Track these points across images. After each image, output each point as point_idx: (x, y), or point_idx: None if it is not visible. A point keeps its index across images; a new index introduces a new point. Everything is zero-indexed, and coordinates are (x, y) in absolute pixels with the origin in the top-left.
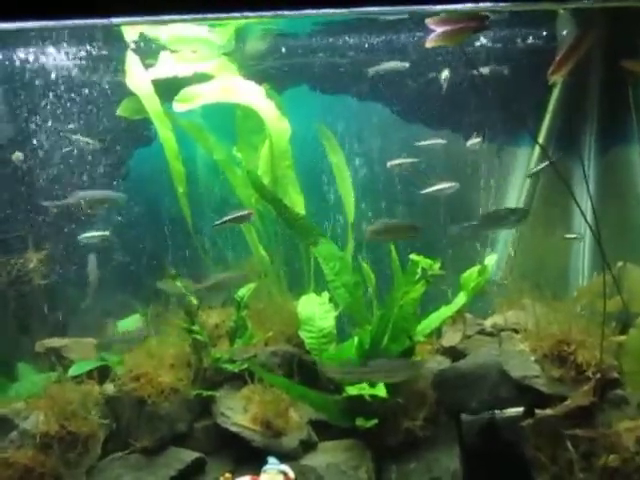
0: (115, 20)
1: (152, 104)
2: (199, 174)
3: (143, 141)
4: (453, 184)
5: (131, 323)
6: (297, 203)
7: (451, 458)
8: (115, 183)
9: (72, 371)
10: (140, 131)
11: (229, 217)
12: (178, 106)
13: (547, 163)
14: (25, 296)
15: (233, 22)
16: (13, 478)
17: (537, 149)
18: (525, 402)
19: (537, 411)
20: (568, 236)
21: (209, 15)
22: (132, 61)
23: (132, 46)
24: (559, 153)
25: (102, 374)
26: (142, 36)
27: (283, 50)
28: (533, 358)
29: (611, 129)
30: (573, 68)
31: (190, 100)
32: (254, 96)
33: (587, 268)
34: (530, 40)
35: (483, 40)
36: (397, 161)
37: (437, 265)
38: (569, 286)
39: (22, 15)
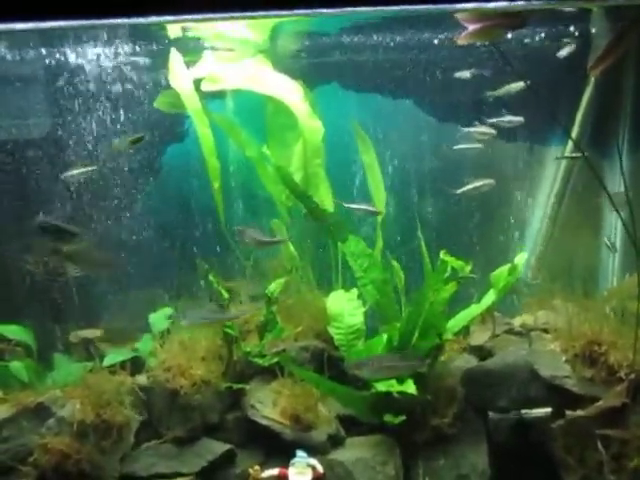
0: (152, 19)
1: (192, 102)
2: (231, 170)
3: (176, 138)
4: (488, 181)
5: (162, 316)
6: (327, 200)
7: (479, 456)
8: (148, 179)
9: (106, 361)
10: (173, 127)
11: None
12: (207, 85)
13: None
14: (60, 287)
15: (269, 21)
16: (51, 463)
17: (568, 149)
18: (554, 402)
19: (568, 412)
20: (606, 241)
21: (246, 14)
22: (175, 60)
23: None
24: (591, 151)
25: (134, 365)
26: (184, 33)
27: (314, 48)
28: (563, 358)
29: None
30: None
31: (219, 81)
32: (287, 91)
33: (618, 268)
34: (563, 37)
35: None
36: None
37: (468, 267)
38: (599, 286)
39: (62, 14)
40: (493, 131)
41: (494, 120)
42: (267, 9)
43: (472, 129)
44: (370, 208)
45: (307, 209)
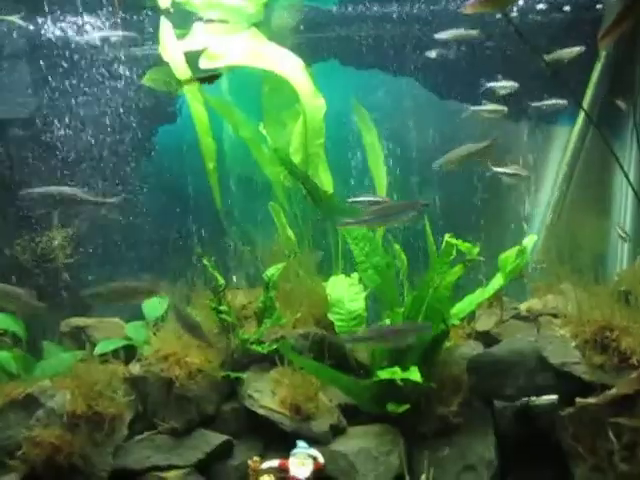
0: None
1: (185, 76)
2: (226, 151)
3: (168, 118)
4: (502, 108)
5: (157, 303)
6: (326, 182)
7: (485, 445)
8: (141, 159)
9: (98, 350)
10: (165, 107)
11: (364, 199)
12: (205, 62)
13: None
14: (50, 274)
15: None
16: (41, 457)
17: (576, 128)
18: (564, 390)
19: (578, 399)
20: (619, 230)
21: None
22: (166, 30)
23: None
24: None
25: (127, 354)
26: (174, 3)
27: (312, 21)
28: (573, 344)
29: None
30: (620, 38)
31: (218, 58)
32: (289, 66)
33: (628, 251)
34: (573, 9)
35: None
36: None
37: (476, 250)
38: (609, 269)
39: None
40: (504, 108)
41: (540, 104)
42: None
43: (481, 107)
44: (375, 198)
45: (307, 191)
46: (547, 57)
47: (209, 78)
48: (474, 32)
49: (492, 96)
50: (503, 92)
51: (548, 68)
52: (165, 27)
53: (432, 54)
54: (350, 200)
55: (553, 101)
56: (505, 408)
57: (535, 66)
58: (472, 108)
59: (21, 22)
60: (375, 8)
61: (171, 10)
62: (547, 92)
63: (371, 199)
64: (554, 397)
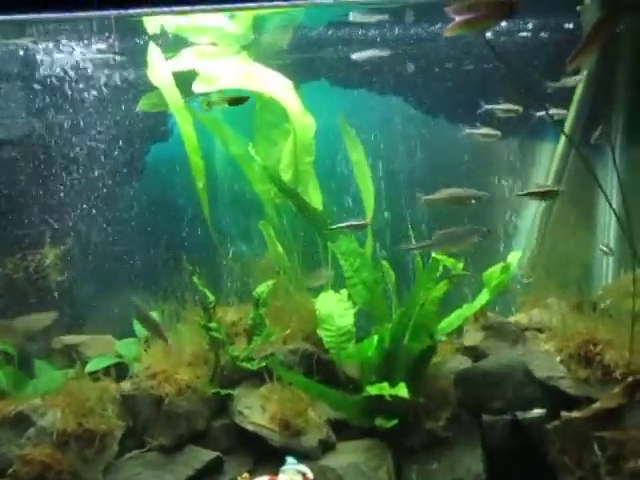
0: (133, 11)
1: (173, 97)
2: (217, 169)
3: (159, 136)
4: (494, 132)
5: None
6: (316, 199)
7: (473, 459)
8: (132, 178)
9: (89, 367)
10: (156, 126)
11: (346, 223)
12: (198, 87)
13: None
14: (42, 292)
15: (250, 14)
16: (31, 475)
17: (560, 145)
18: (549, 403)
19: (563, 413)
20: (602, 247)
21: (227, 6)
22: (154, 53)
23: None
24: (584, 147)
25: (119, 371)
26: (163, 28)
27: (301, 43)
28: (558, 358)
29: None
30: (598, 56)
31: (212, 81)
32: (280, 87)
33: (613, 265)
34: (554, 28)
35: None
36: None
37: (460, 265)
38: (594, 284)
39: (45, 6)
40: (497, 132)
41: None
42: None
43: (475, 130)
44: (357, 222)
45: (297, 208)
46: (554, 84)
47: (238, 100)
48: (385, 52)
49: (490, 118)
50: (504, 115)
51: (529, 90)
52: (153, 51)
53: (410, 69)
54: (333, 227)
55: (554, 111)
56: (494, 421)
57: (519, 85)
58: (467, 130)
59: (33, 45)
60: (360, 31)
61: (170, 35)
62: (530, 110)
63: (351, 223)
64: (542, 411)
